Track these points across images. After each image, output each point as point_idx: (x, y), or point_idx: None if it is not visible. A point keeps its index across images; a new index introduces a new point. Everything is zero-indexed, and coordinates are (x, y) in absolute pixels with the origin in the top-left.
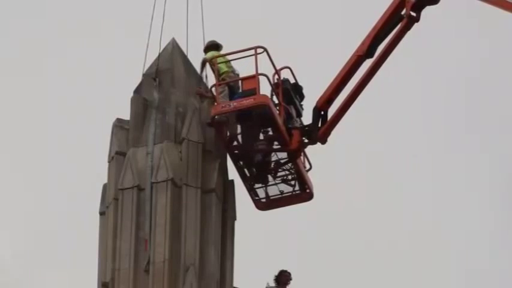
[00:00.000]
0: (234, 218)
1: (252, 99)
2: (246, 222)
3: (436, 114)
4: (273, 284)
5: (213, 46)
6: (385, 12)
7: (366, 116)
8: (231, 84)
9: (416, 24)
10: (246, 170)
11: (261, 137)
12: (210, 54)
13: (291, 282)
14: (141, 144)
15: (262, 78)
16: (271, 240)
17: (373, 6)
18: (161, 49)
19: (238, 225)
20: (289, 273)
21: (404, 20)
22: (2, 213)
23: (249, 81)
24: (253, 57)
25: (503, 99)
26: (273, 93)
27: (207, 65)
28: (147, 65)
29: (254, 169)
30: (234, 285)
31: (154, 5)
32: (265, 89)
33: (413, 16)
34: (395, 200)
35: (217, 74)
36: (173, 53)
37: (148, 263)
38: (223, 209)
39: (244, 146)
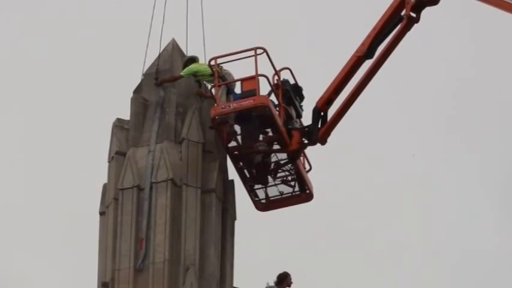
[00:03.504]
0: (234, 218)
1: (252, 100)
2: (246, 222)
3: (436, 114)
4: (272, 284)
5: (189, 61)
6: (385, 13)
7: (366, 117)
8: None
9: (416, 24)
10: (245, 171)
11: (261, 138)
12: (197, 67)
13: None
14: (141, 144)
15: (262, 79)
16: (271, 240)
17: (373, 7)
18: (161, 49)
19: (238, 225)
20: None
21: (404, 21)
22: (2, 213)
23: (249, 82)
24: (253, 58)
25: (502, 99)
26: (271, 94)
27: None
28: (147, 65)
29: (254, 170)
30: (234, 285)
31: (154, 5)
32: (265, 90)
33: (413, 17)
34: (395, 200)
35: (217, 75)
36: (173, 53)
37: (143, 261)
38: (223, 209)
39: (244, 147)
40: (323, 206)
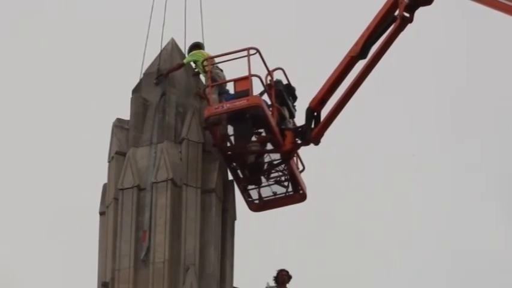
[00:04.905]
0: (234, 218)
1: (245, 101)
2: (246, 222)
3: (432, 113)
4: (273, 283)
5: (194, 47)
6: (379, 13)
7: (359, 117)
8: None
9: (409, 25)
10: (239, 172)
11: (254, 138)
12: (198, 55)
13: (291, 281)
14: (141, 144)
15: (255, 80)
16: (271, 240)
17: (367, 7)
18: (161, 49)
19: (238, 225)
20: (287, 272)
21: (398, 21)
22: (2, 213)
23: (242, 83)
24: (246, 58)
25: (501, 97)
26: (263, 94)
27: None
28: (146, 65)
29: (247, 170)
30: (234, 285)
31: (153, 5)
32: (258, 90)
33: (406, 17)
34: (389, 199)
35: (210, 75)
36: (173, 53)
37: (146, 253)
38: (223, 209)
39: (237, 147)
40: (323, 206)
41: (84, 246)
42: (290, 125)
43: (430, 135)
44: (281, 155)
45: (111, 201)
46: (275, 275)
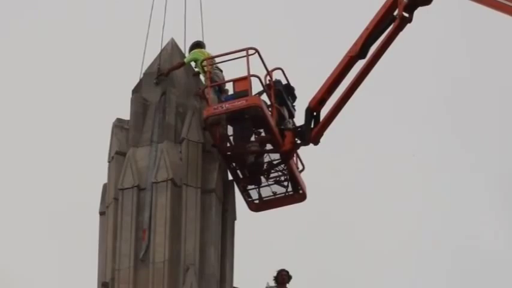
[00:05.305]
0: (234, 218)
1: (244, 101)
2: (246, 222)
3: (431, 113)
4: (273, 283)
5: (195, 46)
6: (378, 13)
7: (359, 117)
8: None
9: (408, 24)
10: (238, 172)
11: (253, 138)
12: (198, 54)
13: (291, 281)
14: (141, 144)
15: (254, 80)
16: (271, 240)
17: (366, 7)
18: (161, 49)
19: (238, 225)
20: (287, 272)
21: (397, 21)
22: (1, 213)
23: (241, 83)
24: (245, 58)
25: (499, 97)
26: (262, 94)
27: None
28: (146, 65)
29: (247, 171)
30: (234, 285)
31: (153, 5)
32: (257, 90)
33: (405, 17)
34: (388, 199)
35: (209, 76)
36: (173, 53)
37: (145, 252)
38: (223, 209)
39: (237, 147)
40: (323, 206)
41: (84, 246)
42: (289, 125)
43: (430, 135)
44: (281, 155)
45: (111, 201)
46: (275, 275)
